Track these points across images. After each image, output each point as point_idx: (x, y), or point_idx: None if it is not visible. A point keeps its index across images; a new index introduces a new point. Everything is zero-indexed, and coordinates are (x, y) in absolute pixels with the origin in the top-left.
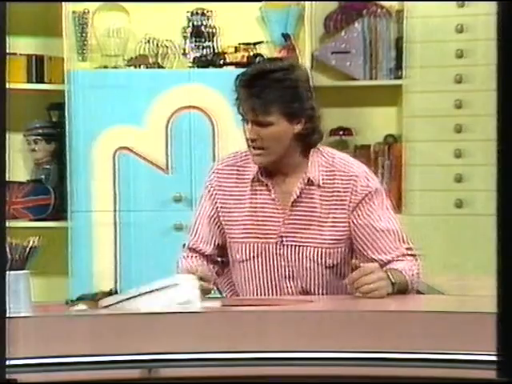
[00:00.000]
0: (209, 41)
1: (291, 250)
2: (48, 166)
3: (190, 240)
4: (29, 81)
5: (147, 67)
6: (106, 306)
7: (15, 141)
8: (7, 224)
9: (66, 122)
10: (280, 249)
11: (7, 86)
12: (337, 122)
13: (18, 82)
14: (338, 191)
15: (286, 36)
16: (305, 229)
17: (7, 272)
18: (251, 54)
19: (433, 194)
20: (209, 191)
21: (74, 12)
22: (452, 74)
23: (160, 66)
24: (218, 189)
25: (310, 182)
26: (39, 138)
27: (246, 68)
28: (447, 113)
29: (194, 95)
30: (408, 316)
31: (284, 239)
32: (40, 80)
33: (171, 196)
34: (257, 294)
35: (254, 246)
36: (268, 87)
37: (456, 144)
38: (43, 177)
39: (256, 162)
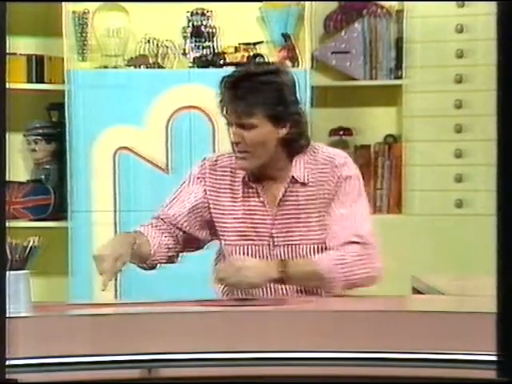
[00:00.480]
0: (209, 41)
1: (283, 250)
2: (48, 166)
3: (163, 211)
4: (29, 81)
5: (147, 67)
6: None
7: (15, 141)
8: (7, 224)
9: (66, 122)
10: (272, 250)
11: (7, 85)
12: (337, 121)
13: (18, 82)
14: (322, 185)
15: (285, 36)
16: (294, 227)
17: (7, 272)
18: (251, 54)
19: (433, 194)
20: (201, 181)
21: (73, 12)
22: (452, 73)
23: (160, 66)
24: (211, 189)
25: (294, 181)
26: (39, 137)
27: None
28: (447, 113)
29: (194, 95)
30: (408, 316)
31: (275, 240)
32: (40, 80)
33: None
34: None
35: (247, 249)
36: (253, 89)
37: (456, 144)
38: (43, 177)
39: (240, 166)
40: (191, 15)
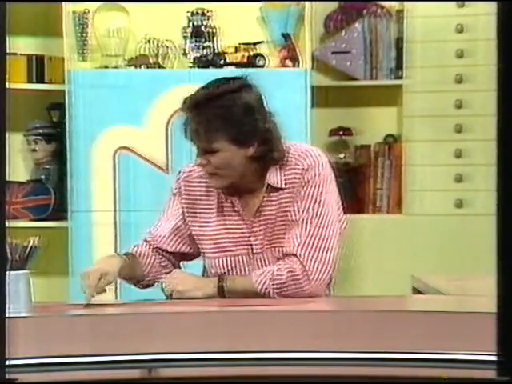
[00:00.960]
0: (209, 41)
1: (262, 257)
2: (48, 166)
3: (151, 234)
4: (29, 81)
5: (147, 67)
6: None
7: (15, 141)
8: (7, 224)
9: (66, 122)
10: (251, 258)
11: (7, 86)
12: (337, 121)
13: (18, 82)
14: (294, 188)
15: (286, 36)
16: (271, 232)
17: (7, 272)
18: (251, 53)
19: (433, 193)
20: (178, 197)
21: (74, 12)
22: (452, 73)
23: (160, 66)
24: (186, 202)
25: (271, 188)
26: (39, 137)
27: (246, 68)
28: (447, 113)
29: None
30: (408, 316)
31: (254, 248)
32: (40, 80)
33: None
34: None
35: (226, 260)
36: (213, 114)
37: (456, 144)
38: (43, 177)
39: (211, 185)
40: (191, 15)
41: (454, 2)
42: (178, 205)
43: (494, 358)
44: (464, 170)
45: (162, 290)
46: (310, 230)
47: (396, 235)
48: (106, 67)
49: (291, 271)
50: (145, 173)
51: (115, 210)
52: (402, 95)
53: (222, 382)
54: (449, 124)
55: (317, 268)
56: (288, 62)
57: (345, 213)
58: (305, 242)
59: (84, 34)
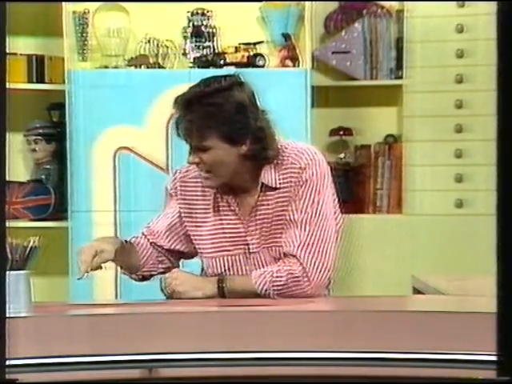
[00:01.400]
0: (209, 41)
1: (259, 256)
2: (48, 166)
3: (148, 228)
4: (29, 81)
5: (148, 67)
6: None
7: (15, 141)
8: (7, 224)
9: (67, 122)
10: (248, 257)
11: (7, 86)
12: (337, 121)
13: (18, 82)
14: (291, 187)
15: (286, 36)
16: (267, 231)
17: (7, 272)
18: (251, 53)
19: (433, 194)
20: (174, 196)
21: (74, 12)
22: (452, 73)
23: (160, 66)
24: (183, 202)
25: (266, 187)
26: (39, 137)
27: (246, 68)
28: (447, 113)
29: None
30: (408, 316)
31: (250, 247)
32: (40, 80)
33: None
34: None
35: (223, 259)
36: (204, 112)
37: (456, 144)
38: (43, 177)
39: (206, 185)
40: (191, 15)
41: (454, 2)
42: (175, 204)
43: (494, 358)
44: (464, 170)
45: (162, 290)
46: (309, 231)
47: (396, 235)
48: (106, 67)
49: (291, 273)
50: (145, 173)
51: (115, 210)
52: (402, 95)
53: (221, 382)
54: (449, 124)
55: (316, 269)
56: (288, 62)
57: (342, 212)
58: (304, 243)
59: (84, 34)
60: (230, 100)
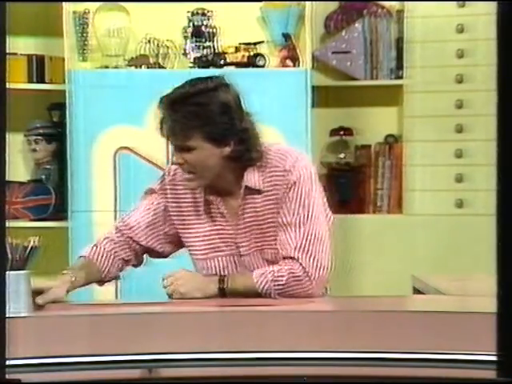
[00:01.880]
0: (209, 41)
1: (250, 259)
2: (48, 166)
3: (124, 222)
4: (29, 81)
5: (148, 67)
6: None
7: (16, 141)
8: (7, 224)
9: (67, 122)
10: (240, 259)
11: (7, 86)
12: (337, 121)
13: (18, 82)
14: (276, 189)
15: (286, 36)
16: (256, 235)
17: (8, 272)
18: (252, 53)
19: (433, 194)
20: (161, 195)
21: (74, 12)
22: (453, 73)
23: (161, 66)
24: (173, 204)
25: (249, 190)
26: (40, 137)
27: (246, 68)
28: (448, 113)
29: None
30: (408, 316)
31: (241, 250)
32: (41, 80)
33: None
34: None
35: (216, 262)
36: (189, 112)
37: (457, 144)
38: (44, 177)
39: (189, 186)
40: (192, 15)
41: (455, 2)
42: (161, 202)
43: (494, 358)
44: (464, 169)
45: (165, 286)
46: (303, 232)
47: (396, 235)
48: (107, 67)
49: (292, 272)
50: (145, 173)
51: (115, 210)
52: (402, 95)
53: (221, 382)
54: (449, 124)
55: (316, 267)
56: (288, 62)
57: (342, 212)
58: (300, 245)
59: (84, 34)
60: (215, 100)
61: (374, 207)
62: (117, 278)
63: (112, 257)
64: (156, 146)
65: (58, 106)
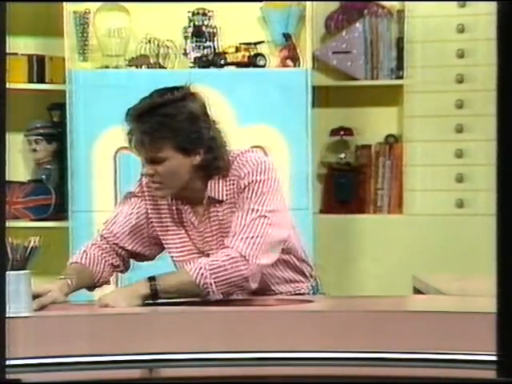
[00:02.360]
0: (210, 41)
1: None
2: (49, 166)
3: (107, 229)
4: (30, 81)
5: (148, 67)
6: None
7: (16, 141)
8: (8, 224)
9: (67, 122)
10: None
11: (8, 86)
12: (337, 121)
13: (18, 82)
14: (234, 197)
15: (286, 36)
16: (221, 242)
17: (8, 272)
18: (252, 53)
19: (434, 193)
20: (141, 198)
21: (74, 12)
22: (453, 73)
23: (161, 66)
24: (152, 207)
25: (212, 200)
26: (40, 137)
27: (247, 67)
28: (448, 113)
29: None
30: (408, 316)
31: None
32: (41, 80)
33: None
34: None
35: (192, 264)
36: (158, 123)
37: (457, 144)
38: (44, 177)
39: (157, 195)
40: (192, 15)
41: (455, 2)
42: (142, 206)
43: (494, 358)
44: (465, 169)
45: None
46: (243, 225)
47: (396, 235)
48: (107, 67)
49: (227, 255)
50: None
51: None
52: (402, 95)
53: (221, 382)
54: (449, 124)
55: (251, 249)
56: (289, 62)
57: (342, 212)
58: (238, 234)
59: (85, 34)
60: (183, 110)
61: (374, 207)
62: (107, 283)
63: (103, 261)
64: None
65: (58, 106)
